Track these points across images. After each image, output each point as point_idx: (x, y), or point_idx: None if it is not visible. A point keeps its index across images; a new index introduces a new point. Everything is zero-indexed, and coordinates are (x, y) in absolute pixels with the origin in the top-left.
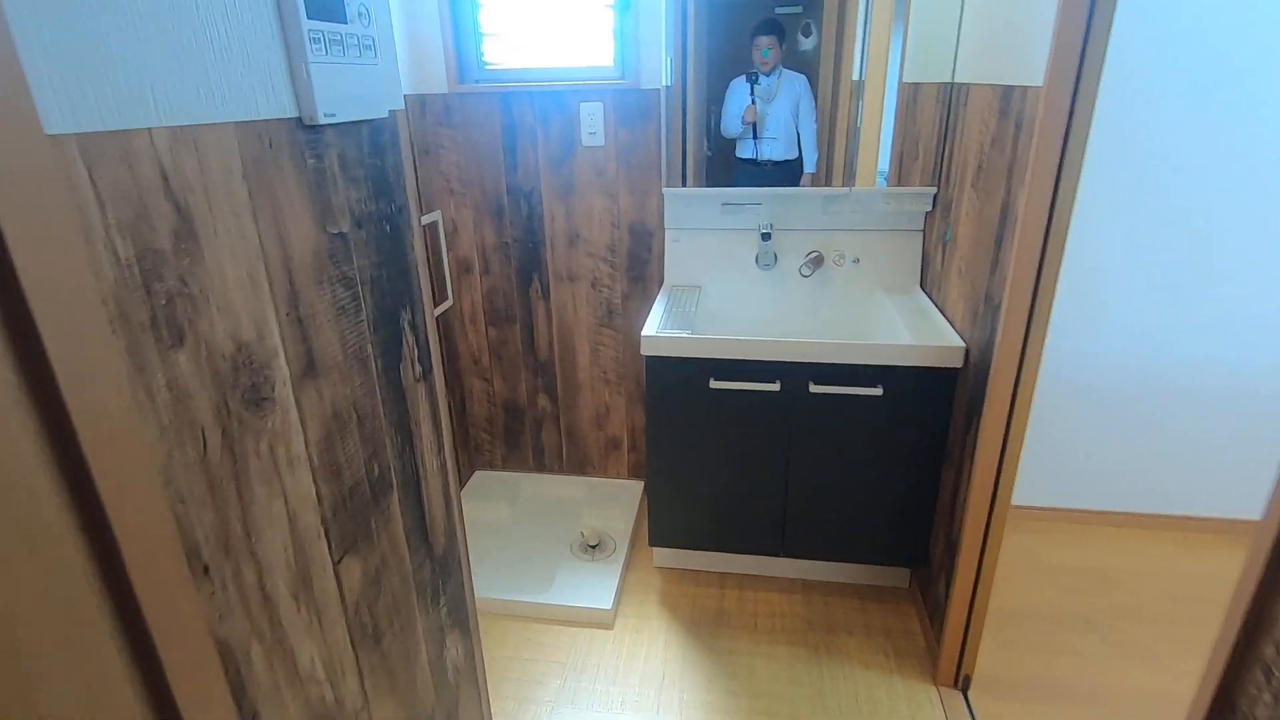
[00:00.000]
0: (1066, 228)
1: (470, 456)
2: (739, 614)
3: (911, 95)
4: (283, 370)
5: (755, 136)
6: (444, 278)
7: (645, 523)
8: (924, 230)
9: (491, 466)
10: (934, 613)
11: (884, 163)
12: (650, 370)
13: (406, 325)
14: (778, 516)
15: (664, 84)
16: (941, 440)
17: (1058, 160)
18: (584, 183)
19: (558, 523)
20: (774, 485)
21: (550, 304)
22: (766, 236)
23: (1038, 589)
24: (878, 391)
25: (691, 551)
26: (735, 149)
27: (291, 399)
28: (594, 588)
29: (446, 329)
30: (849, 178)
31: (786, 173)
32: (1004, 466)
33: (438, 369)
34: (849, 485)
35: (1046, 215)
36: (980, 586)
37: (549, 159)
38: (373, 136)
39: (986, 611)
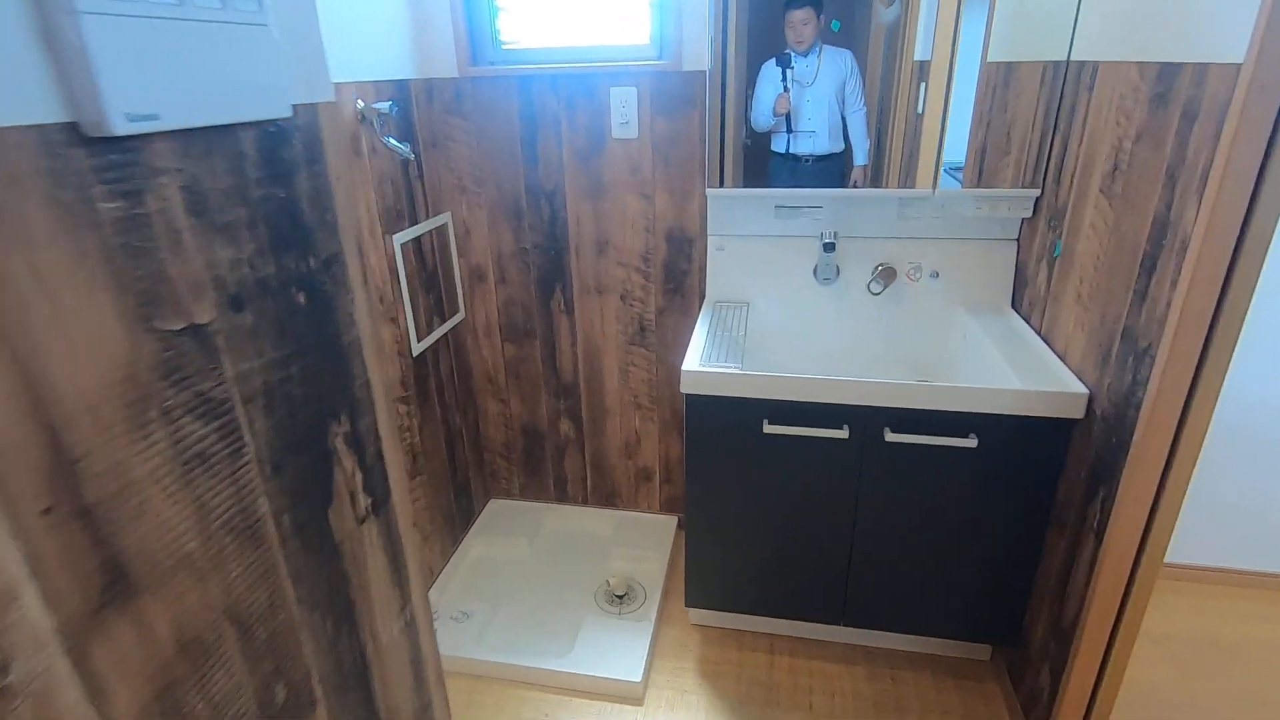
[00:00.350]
0: (1264, 251)
1: (485, 484)
2: (791, 689)
3: (1001, 77)
4: (35, 622)
5: (790, 130)
6: (454, 287)
7: (680, 566)
8: (1019, 240)
9: (508, 495)
10: (1031, 706)
11: (952, 155)
12: (691, 410)
13: (341, 443)
14: (839, 581)
15: (709, 65)
16: (1047, 503)
17: (1259, 161)
18: (614, 181)
19: (581, 563)
20: (836, 546)
21: (575, 319)
22: (829, 247)
23: (1148, 667)
24: (971, 443)
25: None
26: (770, 142)
27: (63, 666)
28: (621, 652)
29: (458, 344)
30: (906, 175)
31: (831, 168)
32: (1148, 545)
33: (399, 487)
34: (928, 550)
35: (1235, 234)
36: (1104, 688)
37: (574, 153)
38: (266, 151)
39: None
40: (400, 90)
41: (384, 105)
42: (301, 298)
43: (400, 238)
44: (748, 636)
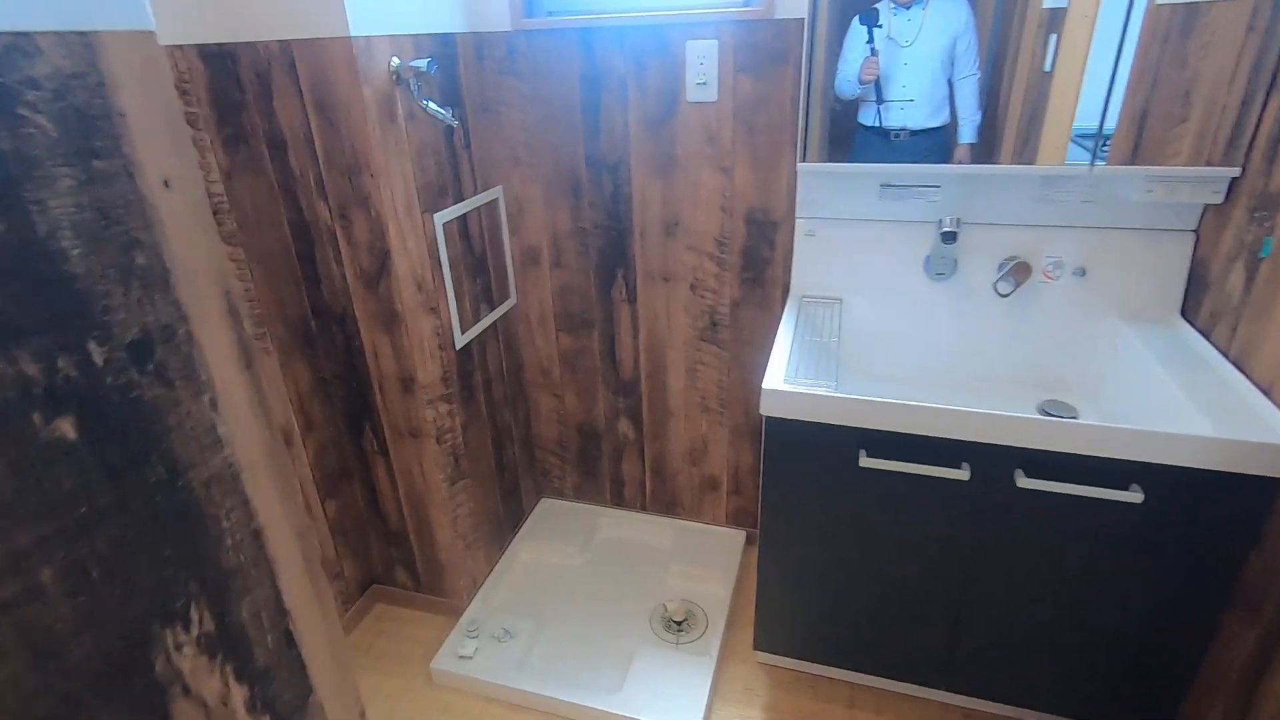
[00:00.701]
0: None
1: (536, 482)
2: None
3: (1177, 23)
4: None
5: (879, 100)
6: (505, 271)
7: (748, 589)
8: (1197, 231)
9: (561, 495)
10: None
11: (1087, 121)
12: (772, 434)
13: (191, 656)
14: (941, 642)
15: (807, 11)
16: (1228, 579)
17: None
18: (688, 152)
19: (637, 578)
20: (941, 602)
21: (637, 308)
22: (950, 237)
23: None
24: (1134, 497)
25: None
26: (857, 111)
27: None
28: (679, 693)
29: (509, 333)
30: (1023, 149)
31: (929, 145)
32: None
33: (331, 672)
34: (1060, 617)
35: None
36: None
37: (642, 120)
38: None
39: None
40: (444, 45)
41: (421, 63)
42: (66, 428)
43: (443, 216)
44: (824, 683)
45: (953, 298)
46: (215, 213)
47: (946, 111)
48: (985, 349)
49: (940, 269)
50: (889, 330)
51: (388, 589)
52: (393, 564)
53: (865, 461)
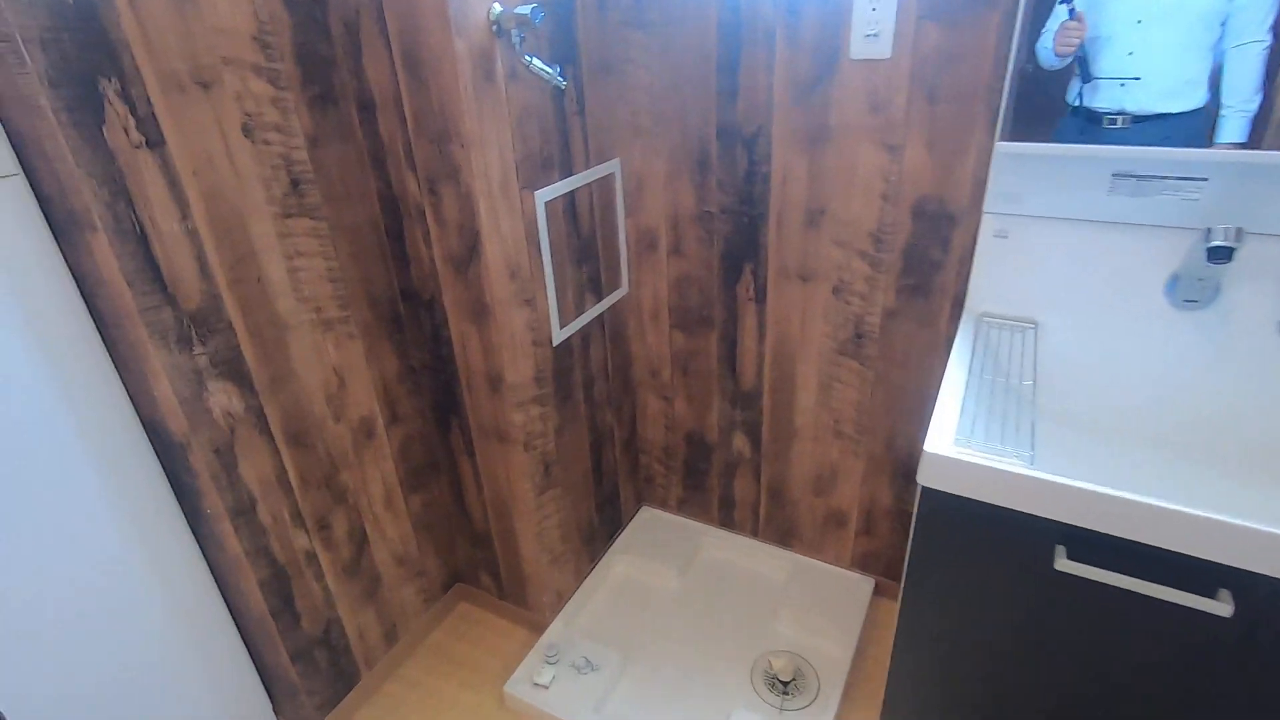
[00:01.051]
0: None
1: (638, 489)
2: None
3: None
4: None
5: (1086, 75)
6: (617, 255)
7: (873, 653)
8: None
9: (664, 506)
10: None
11: None
12: (930, 507)
13: None
14: None
15: None
16: None
17: None
18: (845, 124)
19: (741, 616)
20: None
21: (765, 310)
22: (1222, 253)
23: None
24: None
25: None
26: (1067, 89)
27: None
28: None
29: (617, 325)
30: None
31: (1161, 138)
32: None
33: None
34: None
35: None
36: None
37: (790, 81)
38: None
39: None
40: None
41: (525, 9)
42: None
43: (546, 194)
44: None
45: (1209, 335)
46: (297, 183)
47: (1198, 93)
48: (1251, 411)
49: (1192, 294)
50: (1107, 372)
51: (472, 590)
52: (477, 565)
53: (1063, 564)
